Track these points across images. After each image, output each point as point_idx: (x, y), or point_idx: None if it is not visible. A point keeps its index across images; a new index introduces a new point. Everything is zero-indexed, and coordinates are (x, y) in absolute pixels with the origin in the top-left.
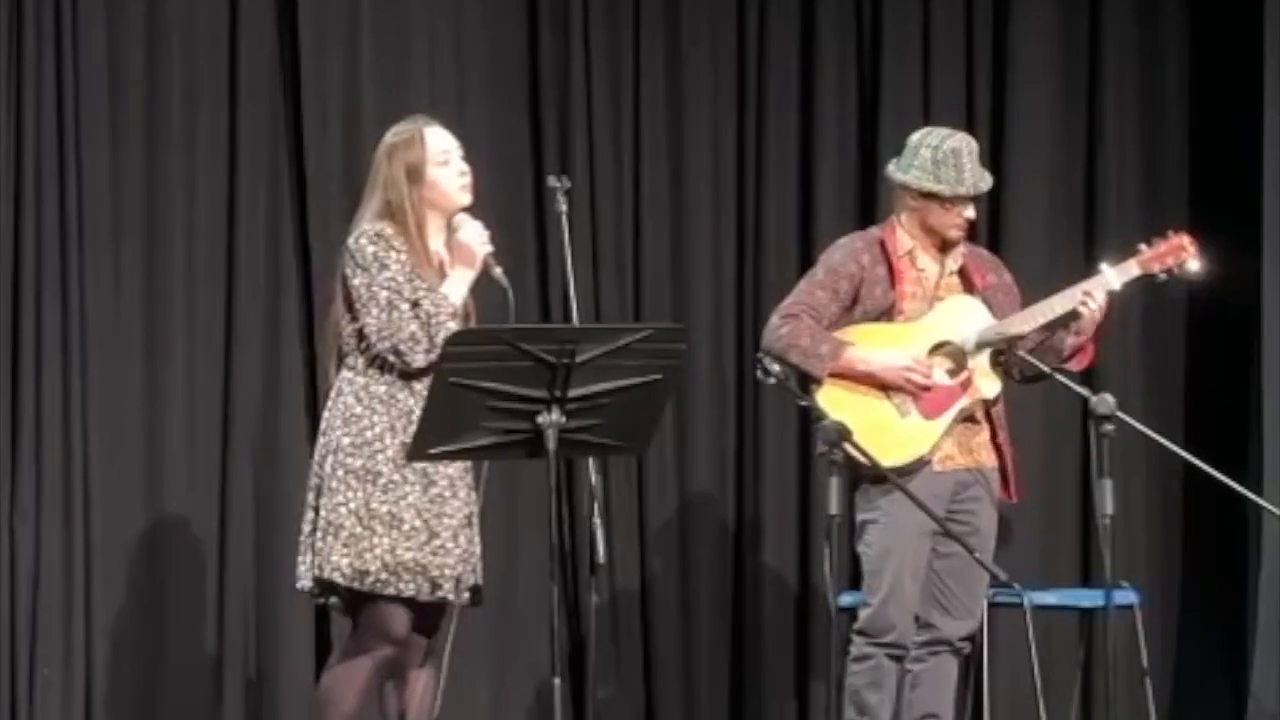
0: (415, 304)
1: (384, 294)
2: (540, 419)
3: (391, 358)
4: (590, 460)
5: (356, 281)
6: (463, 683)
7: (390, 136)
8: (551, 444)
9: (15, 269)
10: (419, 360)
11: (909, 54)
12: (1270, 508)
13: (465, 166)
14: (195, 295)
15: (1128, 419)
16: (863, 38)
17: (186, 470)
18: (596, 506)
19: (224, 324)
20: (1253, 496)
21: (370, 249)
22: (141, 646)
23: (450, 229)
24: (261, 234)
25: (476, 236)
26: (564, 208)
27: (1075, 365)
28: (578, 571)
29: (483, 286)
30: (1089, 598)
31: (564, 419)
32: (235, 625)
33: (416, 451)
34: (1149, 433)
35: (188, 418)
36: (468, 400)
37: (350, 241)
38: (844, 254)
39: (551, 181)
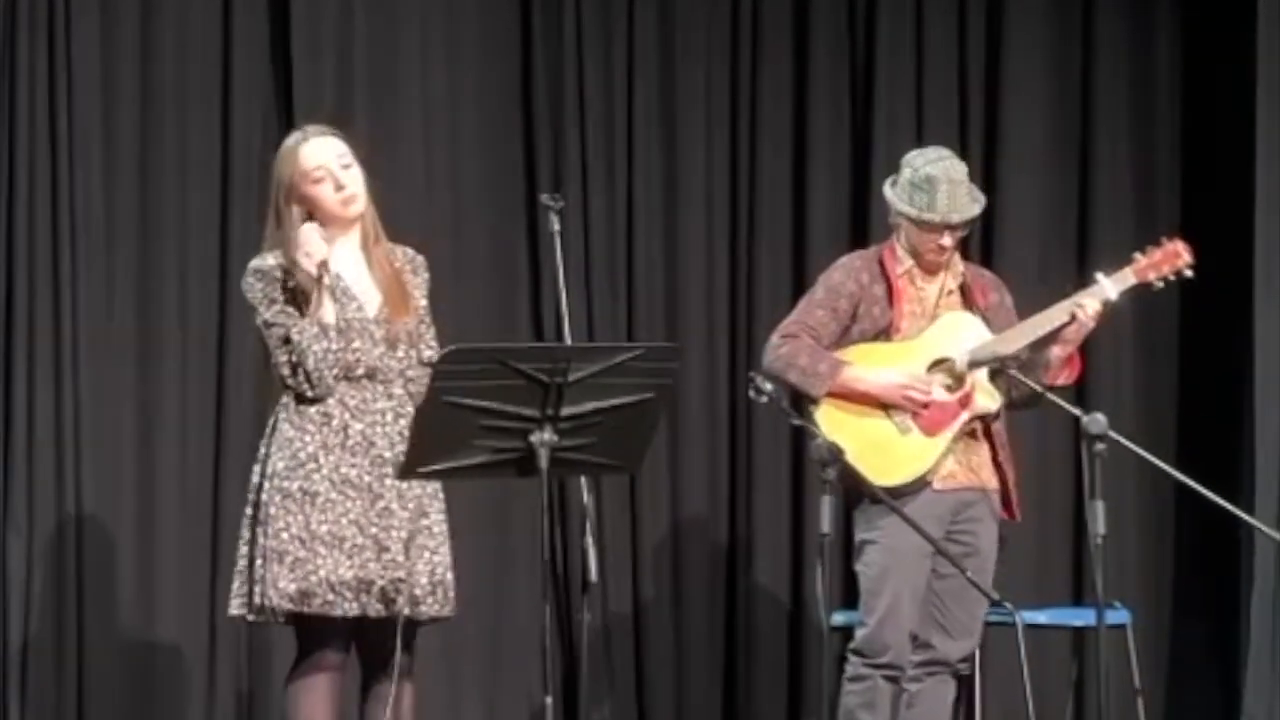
0: (287, 340)
1: (275, 330)
2: (533, 438)
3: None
4: (582, 479)
5: (257, 322)
6: (455, 702)
7: (282, 147)
8: (544, 463)
9: (8, 277)
10: (306, 389)
11: (902, 72)
12: (1261, 526)
13: (347, 180)
14: (188, 304)
15: (1120, 439)
16: (856, 55)
17: (179, 480)
18: (588, 525)
19: (217, 333)
20: (1244, 515)
21: (259, 286)
22: (133, 659)
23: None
24: (255, 243)
25: (310, 246)
26: (557, 226)
27: (1064, 379)
28: (570, 591)
29: (480, 299)
30: (1081, 617)
31: (556, 438)
32: (228, 636)
33: (408, 470)
34: (1141, 452)
35: (180, 428)
36: (460, 418)
37: (242, 282)
38: (843, 273)
39: (545, 200)
